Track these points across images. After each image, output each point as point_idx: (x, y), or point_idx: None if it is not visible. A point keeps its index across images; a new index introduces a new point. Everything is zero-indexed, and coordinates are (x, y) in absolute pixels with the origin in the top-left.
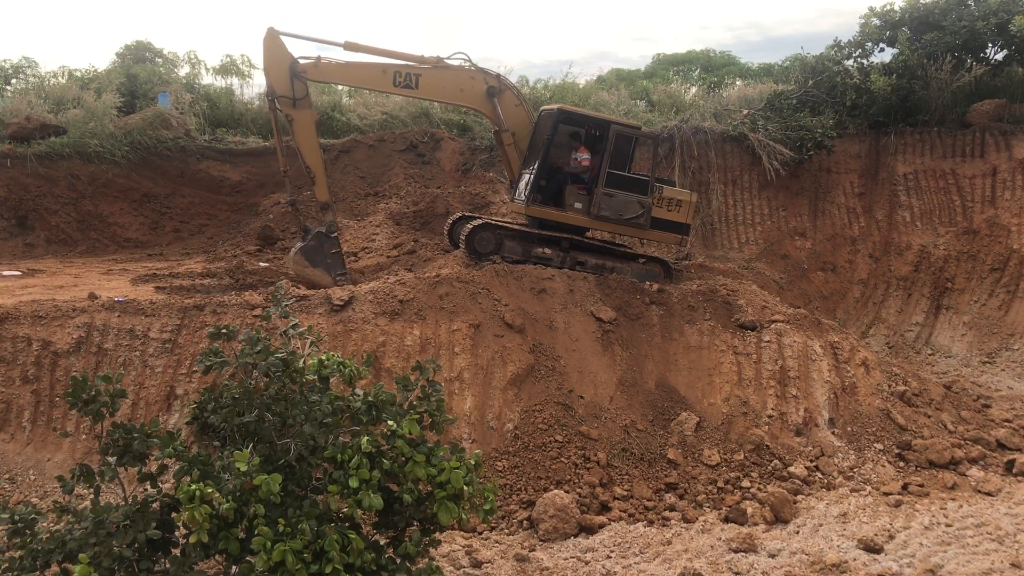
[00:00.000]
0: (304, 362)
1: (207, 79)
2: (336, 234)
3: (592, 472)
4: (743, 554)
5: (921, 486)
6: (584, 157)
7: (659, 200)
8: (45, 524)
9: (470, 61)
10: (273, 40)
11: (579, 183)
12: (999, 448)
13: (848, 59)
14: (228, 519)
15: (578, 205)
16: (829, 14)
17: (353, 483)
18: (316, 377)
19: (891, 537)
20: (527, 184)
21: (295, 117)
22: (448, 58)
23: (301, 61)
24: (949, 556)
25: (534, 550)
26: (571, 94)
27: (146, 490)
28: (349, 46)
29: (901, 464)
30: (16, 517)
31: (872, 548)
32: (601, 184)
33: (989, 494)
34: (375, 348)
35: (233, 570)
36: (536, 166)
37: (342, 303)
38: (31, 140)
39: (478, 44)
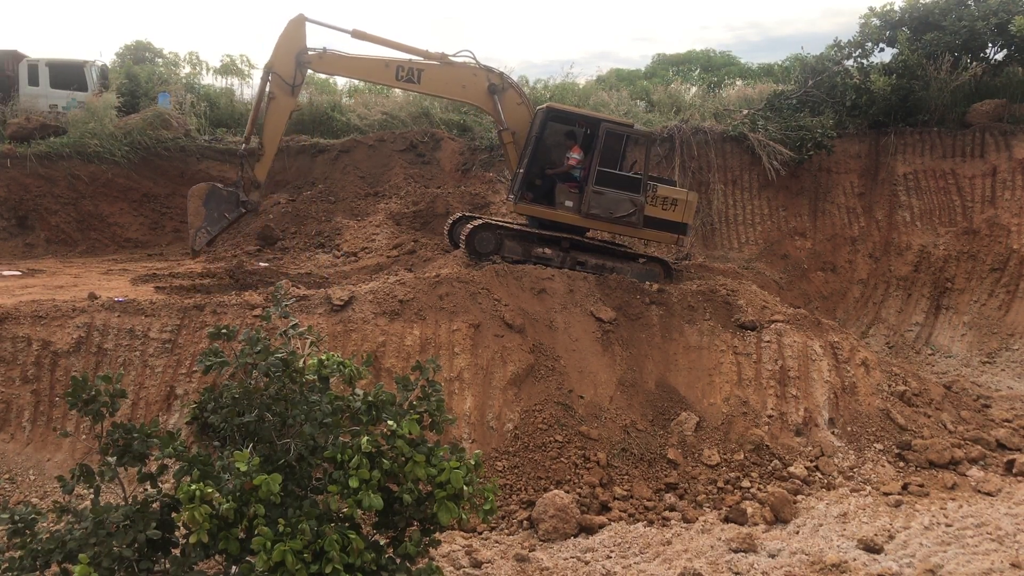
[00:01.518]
0: (304, 362)
1: (207, 79)
2: (245, 210)
3: (592, 472)
4: (743, 554)
5: (921, 486)
6: (573, 156)
7: (653, 198)
8: (45, 524)
9: (475, 59)
10: (298, 26)
11: (571, 181)
12: (999, 448)
13: (848, 59)
14: (228, 519)
15: (569, 203)
16: (830, 14)
17: (353, 483)
18: (316, 377)
19: (891, 537)
20: (516, 182)
21: (278, 98)
22: (454, 55)
23: (309, 52)
24: (949, 556)
25: (534, 550)
26: (571, 94)
27: (146, 490)
28: (356, 34)
29: (901, 464)
30: (16, 517)
31: (872, 548)
32: (591, 182)
33: (989, 494)
34: (375, 348)
35: (233, 570)
36: (524, 164)
37: (342, 303)
38: (31, 140)
39: (479, 44)
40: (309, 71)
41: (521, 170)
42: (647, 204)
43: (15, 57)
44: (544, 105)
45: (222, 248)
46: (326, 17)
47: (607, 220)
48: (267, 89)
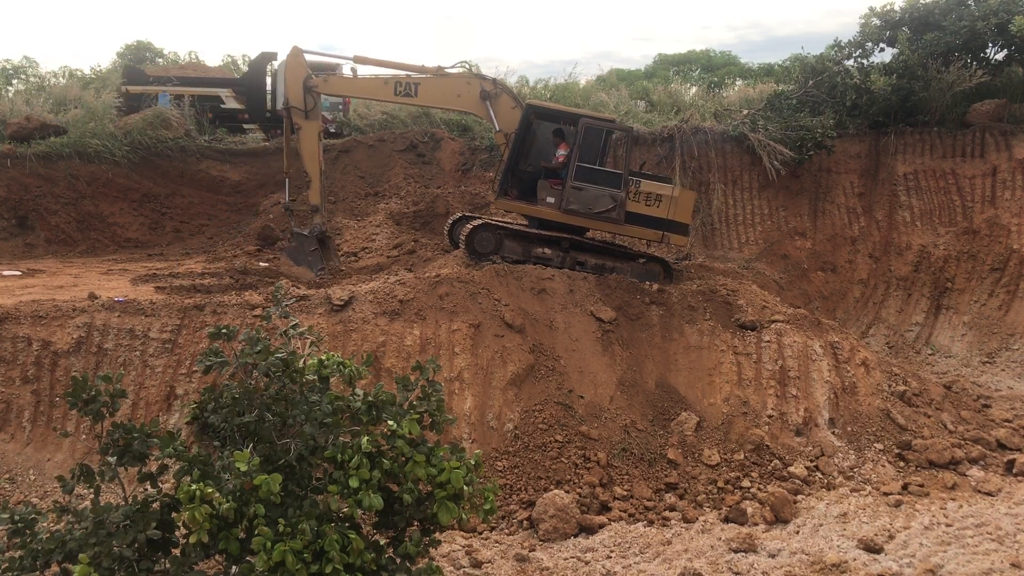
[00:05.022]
0: (304, 362)
1: None
2: (318, 234)
3: (592, 472)
4: (743, 554)
5: (921, 486)
6: (561, 153)
7: (635, 194)
8: (45, 524)
9: (469, 68)
10: (296, 58)
11: (555, 178)
12: (999, 448)
13: (848, 59)
14: (228, 519)
15: (550, 200)
16: (831, 14)
17: (353, 483)
18: (316, 377)
19: (891, 537)
20: (499, 178)
21: (302, 126)
22: (451, 67)
23: (314, 77)
24: (949, 556)
25: (534, 550)
26: (571, 94)
27: (146, 490)
28: (358, 59)
29: (901, 464)
30: (16, 517)
31: (872, 548)
32: (570, 178)
33: (989, 494)
34: (375, 348)
35: (233, 570)
36: (506, 161)
37: (342, 303)
38: (31, 140)
39: (480, 44)
40: (320, 94)
41: (504, 167)
42: (629, 200)
43: (274, 59)
44: (526, 102)
45: (222, 248)
46: (330, 16)
47: (587, 216)
48: (292, 124)
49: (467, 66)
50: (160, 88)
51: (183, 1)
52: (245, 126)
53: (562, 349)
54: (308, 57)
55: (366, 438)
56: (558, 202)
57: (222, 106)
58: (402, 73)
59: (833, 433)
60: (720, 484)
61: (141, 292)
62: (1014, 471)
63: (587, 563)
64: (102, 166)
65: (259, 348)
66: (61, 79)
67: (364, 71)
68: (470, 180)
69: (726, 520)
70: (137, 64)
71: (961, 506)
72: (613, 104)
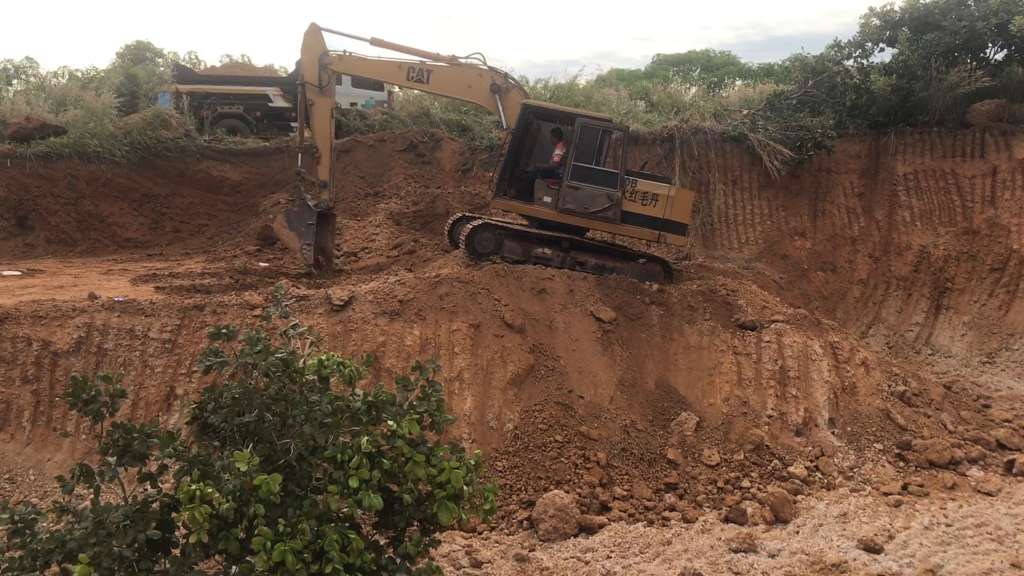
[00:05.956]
0: (304, 362)
1: None
2: (323, 210)
3: (592, 472)
4: (743, 554)
5: (921, 486)
6: (557, 153)
7: (632, 194)
8: (45, 524)
9: (483, 61)
10: (314, 34)
11: (552, 178)
12: (999, 448)
13: (848, 59)
14: (228, 519)
15: (547, 199)
16: (832, 14)
17: (353, 483)
18: (316, 377)
19: (891, 537)
20: (497, 178)
21: (315, 102)
22: (465, 58)
23: (330, 54)
24: (949, 556)
25: (534, 550)
26: (572, 93)
27: (146, 490)
28: (375, 42)
29: (901, 464)
30: (16, 517)
31: (872, 548)
32: (567, 177)
33: (989, 494)
34: (375, 348)
35: (233, 570)
36: (504, 161)
37: (342, 303)
38: (31, 140)
39: (480, 44)
40: (334, 71)
41: (503, 166)
42: (625, 199)
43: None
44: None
45: (222, 248)
46: (331, 16)
47: (583, 215)
48: (306, 100)
49: (481, 58)
50: (211, 87)
51: (183, 1)
52: (292, 124)
53: (562, 349)
54: (326, 35)
55: (366, 438)
56: (555, 201)
57: (270, 104)
58: (416, 59)
59: (833, 433)
60: (720, 484)
61: (141, 292)
62: (1014, 471)
63: (587, 563)
64: (102, 166)
65: (259, 348)
66: (61, 79)
67: (377, 53)
68: (470, 180)
69: (726, 520)
70: (136, 64)
71: (961, 506)
72: (615, 103)
